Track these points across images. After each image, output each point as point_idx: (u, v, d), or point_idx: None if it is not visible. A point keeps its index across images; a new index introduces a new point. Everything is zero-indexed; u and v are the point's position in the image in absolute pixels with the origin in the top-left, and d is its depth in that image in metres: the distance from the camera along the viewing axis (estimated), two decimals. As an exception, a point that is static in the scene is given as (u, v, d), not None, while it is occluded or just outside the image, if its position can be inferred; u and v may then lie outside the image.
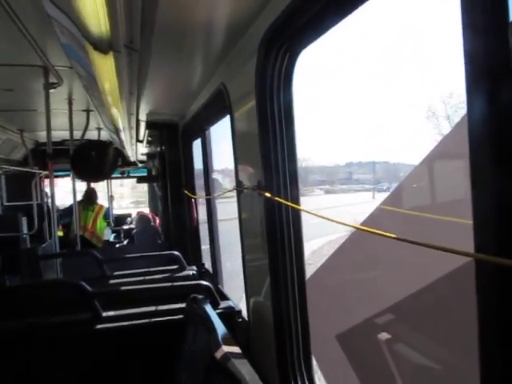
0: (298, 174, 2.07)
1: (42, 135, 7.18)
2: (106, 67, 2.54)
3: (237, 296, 3.38)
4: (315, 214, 1.56)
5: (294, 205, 1.98)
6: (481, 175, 0.88)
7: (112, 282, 3.35)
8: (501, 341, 0.87)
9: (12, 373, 2.35)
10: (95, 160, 5.07)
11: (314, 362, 2.20)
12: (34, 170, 7.71)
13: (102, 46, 2.23)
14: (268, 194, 2.03)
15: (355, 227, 1.31)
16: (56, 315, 2.55)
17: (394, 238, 1.14)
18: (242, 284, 2.75)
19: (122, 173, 9.25)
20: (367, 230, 1.24)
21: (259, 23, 2.01)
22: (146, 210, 10.42)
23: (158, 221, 8.65)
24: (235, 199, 2.65)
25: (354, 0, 1.47)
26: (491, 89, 0.87)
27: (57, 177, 5.81)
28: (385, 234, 1.17)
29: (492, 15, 0.86)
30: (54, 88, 3.83)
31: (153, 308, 2.64)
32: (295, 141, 2.03)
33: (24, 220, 8.05)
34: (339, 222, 1.34)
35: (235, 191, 2.59)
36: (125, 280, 3.41)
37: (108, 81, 2.86)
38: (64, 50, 2.83)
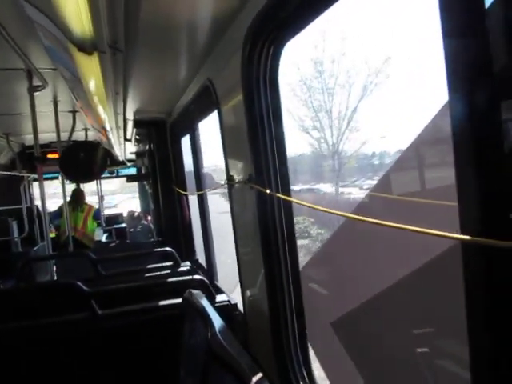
0: (288, 166, 2.09)
1: (28, 138, 7.12)
2: (90, 68, 2.54)
3: (230, 289, 3.42)
4: (306, 205, 1.59)
5: (285, 196, 2.01)
6: (464, 163, 0.91)
7: (107, 281, 3.36)
8: (488, 320, 0.90)
9: (11, 374, 2.36)
10: (84, 161, 5.06)
11: (312, 353, 2.24)
12: (21, 174, 7.66)
13: (86, 47, 2.22)
14: (259, 187, 2.05)
15: (346, 216, 1.35)
16: (53, 317, 2.56)
17: (380, 224, 1.17)
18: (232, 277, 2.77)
19: (111, 172, 9.22)
20: (357, 218, 1.27)
21: (243, 16, 2.02)
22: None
23: (149, 218, 8.66)
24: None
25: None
26: (472, 88, 0.90)
27: (45, 179, 5.78)
28: (373, 220, 1.20)
29: (469, 16, 0.89)
30: (39, 91, 3.81)
31: (149, 304, 2.66)
32: (284, 132, 2.06)
33: (14, 224, 8.01)
34: (332, 212, 1.37)
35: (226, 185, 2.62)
36: (119, 279, 3.42)
37: (93, 81, 2.86)
38: (47, 52, 2.82)
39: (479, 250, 0.88)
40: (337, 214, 1.36)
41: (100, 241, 8.69)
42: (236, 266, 2.80)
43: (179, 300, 2.66)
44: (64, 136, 5.38)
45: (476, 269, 0.91)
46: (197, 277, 2.89)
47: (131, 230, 7.74)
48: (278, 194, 2.01)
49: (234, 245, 2.76)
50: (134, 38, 2.26)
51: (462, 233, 0.92)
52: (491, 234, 0.86)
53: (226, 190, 2.70)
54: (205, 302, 2.45)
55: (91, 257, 3.54)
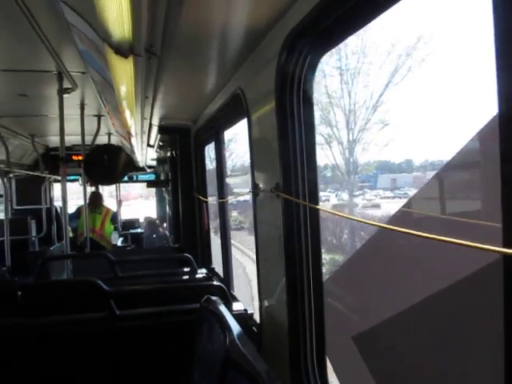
0: (317, 176, 2.09)
1: (52, 140, 7.26)
2: (124, 71, 2.59)
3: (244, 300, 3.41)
4: (335, 214, 1.59)
5: (311, 205, 2.01)
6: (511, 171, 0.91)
7: (124, 282, 3.38)
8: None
9: (29, 370, 2.38)
10: (107, 164, 5.13)
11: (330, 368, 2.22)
12: (44, 175, 7.79)
13: (123, 50, 2.26)
14: (286, 196, 2.06)
15: (378, 225, 1.34)
16: (71, 314, 2.58)
17: (418, 235, 1.17)
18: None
19: (130, 177, 9.32)
20: (391, 228, 1.26)
21: (280, 27, 2.04)
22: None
23: (165, 225, 8.70)
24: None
25: (377, 7, 1.51)
26: None
27: (67, 181, 5.87)
28: (409, 231, 1.19)
29: None
30: (68, 93, 3.89)
31: (166, 308, 2.67)
32: (315, 142, 2.06)
33: (33, 223, 8.12)
34: (362, 221, 1.36)
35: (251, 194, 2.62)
36: (136, 281, 3.44)
37: (124, 85, 2.90)
38: (80, 55, 2.89)
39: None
40: (369, 224, 1.36)
41: (116, 245, 8.75)
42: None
43: (196, 305, 2.66)
44: (88, 140, 5.48)
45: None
46: (215, 283, 2.90)
47: (147, 235, 7.78)
48: (305, 203, 2.01)
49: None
50: (171, 43, 2.30)
51: (505, 246, 0.92)
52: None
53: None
54: (223, 309, 2.45)
55: (109, 257, 3.57)
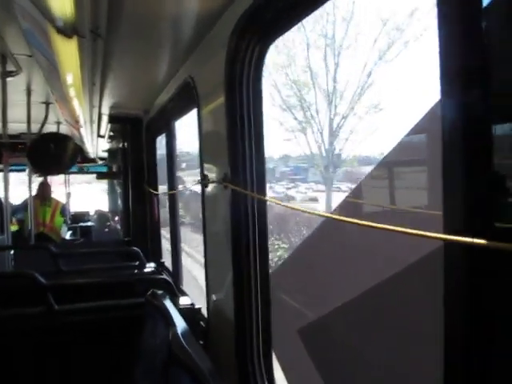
0: (265, 167, 2.06)
1: (-4, 127, 6.90)
2: (69, 53, 2.46)
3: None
4: (282, 205, 1.55)
5: (260, 196, 1.97)
6: (451, 160, 0.89)
7: (68, 277, 3.24)
8: (466, 319, 0.88)
9: None
10: (54, 153, 4.92)
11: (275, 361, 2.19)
12: None
13: (66, 30, 2.15)
14: (235, 186, 2.01)
15: (324, 215, 1.31)
16: (6, 308, 2.44)
17: (360, 224, 1.14)
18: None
19: (81, 169, 9.02)
20: (337, 218, 1.24)
21: (230, 14, 1.99)
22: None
23: (116, 218, 8.48)
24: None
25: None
26: (464, 89, 0.89)
27: (11, 171, 5.60)
28: (352, 220, 1.17)
29: (466, 17, 0.88)
30: (12, 76, 3.69)
31: (109, 302, 2.57)
32: (263, 133, 2.02)
33: None
34: (309, 212, 1.33)
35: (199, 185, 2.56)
36: (81, 275, 3.30)
37: (70, 69, 2.77)
38: (25, 36, 2.73)
39: (462, 249, 0.86)
40: (315, 214, 1.33)
41: (64, 238, 8.45)
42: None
43: (141, 300, 2.58)
44: (35, 128, 5.24)
45: (458, 269, 0.89)
46: (161, 277, 2.82)
47: (97, 228, 7.55)
48: (253, 194, 1.97)
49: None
50: (117, 25, 2.20)
51: (445, 233, 0.90)
52: (474, 234, 0.84)
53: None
54: (168, 303, 2.38)
55: (52, 250, 3.41)
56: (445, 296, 0.91)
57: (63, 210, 8.10)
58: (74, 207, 10.50)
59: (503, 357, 0.88)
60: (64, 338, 2.44)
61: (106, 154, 8.25)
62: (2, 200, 8.09)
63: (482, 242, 0.80)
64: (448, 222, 0.90)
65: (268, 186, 2.13)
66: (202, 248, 2.72)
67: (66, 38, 2.24)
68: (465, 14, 0.91)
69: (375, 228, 1.06)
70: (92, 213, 10.31)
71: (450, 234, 0.87)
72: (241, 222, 2.07)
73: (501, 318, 0.87)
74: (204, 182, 2.45)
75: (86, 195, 10.41)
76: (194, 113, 2.72)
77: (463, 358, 0.90)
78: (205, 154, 2.52)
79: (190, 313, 2.70)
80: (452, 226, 0.88)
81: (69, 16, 2.03)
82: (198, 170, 2.58)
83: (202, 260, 2.73)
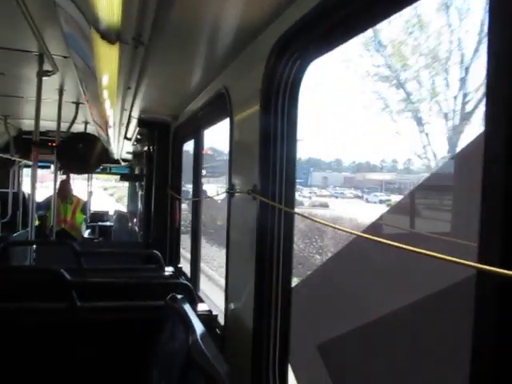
0: (295, 180, 2.09)
1: (26, 123, 7.05)
2: (109, 58, 2.53)
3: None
4: (311, 219, 1.58)
5: (288, 209, 2.00)
6: (492, 185, 0.91)
7: (89, 275, 3.29)
8: (497, 351, 0.89)
9: None
10: (81, 153, 5.02)
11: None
12: (14, 158, 7.57)
13: (110, 36, 2.22)
14: (263, 198, 2.04)
15: (352, 233, 1.33)
16: (31, 302, 2.50)
17: (392, 245, 1.16)
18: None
19: (104, 169, 9.16)
20: (365, 237, 1.26)
21: (271, 30, 2.04)
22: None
23: (134, 220, 8.57)
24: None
25: (370, 19, 1.52)
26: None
27: (38, 167, 5.72)
28: (384, 240, 1.19)
29: None
30: (48, 76, 3.79)
31: (130, 303, 2.61)
32: (296, 148, 2.06)
33: None
34: (337, 228, 1.35)
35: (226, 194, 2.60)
36: (102, 274, 3.36)
37: (107, 73, 2.85)
38: (64, 37, 2.82)
39: (496, 280, 0.88)
40: (343, 231, 1.35)
41: (83, 236, 8.56)
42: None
43: (160, 303, 2.62)
44: (64, 127, 5.35)
45: (490, 300, 0.90)
46: (182, 281, 2.85)
47: (116, 229, 7.64)
48: (281, 206, 2.00)
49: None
50: (159, 33, 2.27)
51: (480, 262, 0.92)
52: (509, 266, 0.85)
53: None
54: (187, 308, 2.41)
55: (75, 248, 3.47)
56: (474, 329, 0.92)
57: (84, 207, 8.23)
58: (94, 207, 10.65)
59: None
60: (84, 335, 2.49)
61: (128, 156, 8.37)
62: (27, 196, 8.30)
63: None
64: (482, 253, 0.91)
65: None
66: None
67: (109, 44, 2.31)
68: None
69: (401, 248, 1.08)
70: (111, 213, 10.45)
71: (484, 264, 0.89)
72: (267, 233, 2.09)
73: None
74: (232, 191, 2.49)
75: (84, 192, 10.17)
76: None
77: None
78: (234, 164, 2.56)
79: (207, 319, 2.73)
80: (486, 256, 0.90)
81: (115, 23, 2.10)
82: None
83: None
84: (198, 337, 2.05)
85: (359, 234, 1.31)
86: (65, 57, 3.42)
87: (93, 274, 3.31)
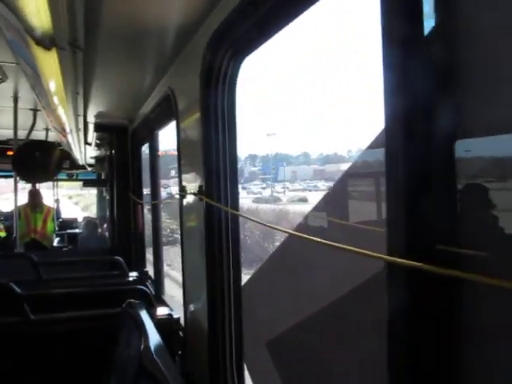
0: (238, 180, 2.08)
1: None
2: (49, 64, 2.48)
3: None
4: (254, 220, 1.57)
5: (232, 210, 1.99)
6: (393, 178, 0.92)
7: (47, 286, 3.23)
8: (409, 337, 0.91)
9: None
10: (39, 161, 4.92)
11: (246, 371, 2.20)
12: None
13: (45, 42, 2.18)
14: (208, 200, 2.03)
15: (290, 233, 1.33)
16: None
17: (312, 240, 1.17)
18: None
19: (70, 176, 8.99)
20: (298, 236, 1.26)
21: (205, 27, 2.01)
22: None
23: (104, 226, 8.44)
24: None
25: (298, 6, 1.51)
26: (406, 95, 0.91)
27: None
28: (304, 236, 1.19)
29: (409, 28, 0.91)
30: (-2, 84, 3.70)
31: (86, 312, 2.57)
32: (236, 147, 2.05)
33: None
34: (276, 228, 1.35)
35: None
36: (61, 284, 3.30)
37: (53, 79, 2.79)
38: (9, 45, 2.75)
39: (403, 270, 0.88)
40: (281, 231, 1.35)
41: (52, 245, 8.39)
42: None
43: (119, 310, 2.58)
44: (23, 134, 5.23)
45: (399, 289, 0.91)
46: (139, 287, 2.82)
47: (85, 236, 7.50)
48: (226, 208, 1.99)
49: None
50: (96, 37, 2.23)
51: (389, 254, 0.93)
52: (415, 256, 0.86)
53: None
54: (143, 314, 2.39)
55: (33, 259, 3.40)
56: (388, 318, 0.93)
57: (54, 216, 8.06)
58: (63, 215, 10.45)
59: (445, 374, 0.91)
60: (40, 348, 2.44)
61: (93, 161, 8.23)
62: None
63: (420, 264, 0.82)
64: (391, 243, 0.92)
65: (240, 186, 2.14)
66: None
67: (46, 50, 2.26)
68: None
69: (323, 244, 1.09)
70: (80, 219, 10.27)
71: (392, 255, 0.89)
72: (214, 234, 2.08)
73: (441, 342, 0.89)
74: (182, 193, 2.47)
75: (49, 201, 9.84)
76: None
77: (406, 374, 0.92)
78: (183, 166, 2.54)
79: (167, 323, 2.70)
80: (394, 247, 0.91)
81: (47, 28, 2.06)
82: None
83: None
84: (151, 343, 2.03)
85: (295, 233, 1.31)
86: (16, 63, 3.34)
87: (52, 285, 3.25)
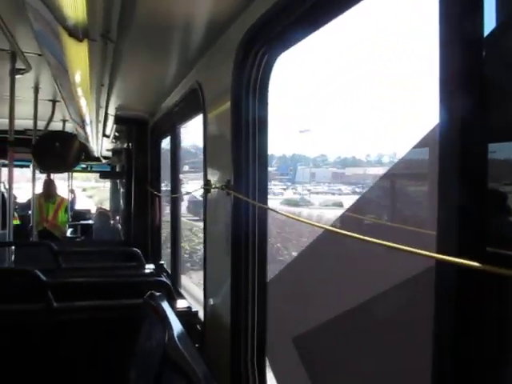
0: (267, 175, 2.09)
1: (1, 122, 6.92)
2: (78, 55, 2.50)
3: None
4: (283, 214, 1.58)
5: (261, 205, 1.99)
6: (446, 180, 0.92)
7: (67, 274, 3.26)
8: (457, 340, 0.90)
9: None
10: (58, 151, 4.95)
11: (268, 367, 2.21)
12: None
13: (78, 34, 2.19)
14: (237, 193, 2.03)
15: (323, 227, 1.34)
16: (6, 304, 2.47)
17: (357, 237, 1.17)
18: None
19: (84, 167, 9.06)
20: (332, 231, 1.26)
21: (239, 24, 2.02)
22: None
23: (117, 218, 8.50)
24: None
25: (335, 8, 1.51)
26: (462, 125, 0.91)
27: (16, 166, 5.63)
28: (348, 233, 1.19)
29: (467, 29, 0.91)
30: (21, 74, 3.73)
31: (107, 302, 2.59)
32: (267, 142, 2.05)
33: None
34: (307, 223, 1.35)
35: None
36: (80, 273, 3.33)
37: (79, 70, 2.81)
38: (35, 35, 2.78)
39: (454, 269, 0.88)
40: (314, 225, 1.35)
41: (65, 236, 8.47)
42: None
43: (139, 301, 2.60)
44: (41, 125, 5.27)
45: (449, 289, 0.91)
46: (159, 279, 2.84)
47: (98, 227, 7.56)
48: (255, 202, 2.00)
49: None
50: (128, 30, 2.24)
51: (438, 252, 0.93)
52: (466, 255, 0.86)
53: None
54: (165, 306, 2.40)
55: (53, 247, 3.43)
56: (435, 316, 0.93)
57: (67, 207, 8.13)
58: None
59: (490, 374, 0.91)
60: (62, 335, 2.47)
61: (109, 154, 8.29)
62: (5, 195, 8.16)
63: (472, 263, 0.82)
64: (441, 244, 0.92)
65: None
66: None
67: (77, 41, 2.28)
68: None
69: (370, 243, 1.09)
70: (93, 211, 10.36)
71: (442, 254, 0.89)
72: (242, 228, 2.09)
73: (487, 341, 0.89)
74: (207, 187, 2.48)
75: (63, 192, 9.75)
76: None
77: (451, 371, 0.93)
78: (209, 160, 2.55)
79: (186, 316, 2.72)
80: (444, 246, 0.91)
81: (81, 20, 2.07)
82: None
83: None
84: (175, 334, 2.04)
85: (326, 227, 1.31)
86: (38, 54, 3.36)
87: (71, 274, 3.28)
